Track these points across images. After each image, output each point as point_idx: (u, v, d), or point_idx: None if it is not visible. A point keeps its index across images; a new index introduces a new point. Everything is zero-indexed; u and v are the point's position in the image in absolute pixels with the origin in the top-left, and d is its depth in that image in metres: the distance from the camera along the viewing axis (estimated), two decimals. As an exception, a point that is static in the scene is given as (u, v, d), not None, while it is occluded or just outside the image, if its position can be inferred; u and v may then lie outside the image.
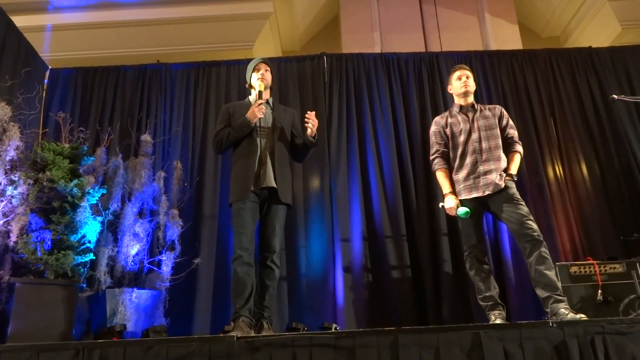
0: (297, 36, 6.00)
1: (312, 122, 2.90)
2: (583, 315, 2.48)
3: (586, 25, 5.53)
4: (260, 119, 2.88)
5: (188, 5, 5.15)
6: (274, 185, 2.83)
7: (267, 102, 3.04)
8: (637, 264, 3.29)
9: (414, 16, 5.53)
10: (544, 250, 2.72)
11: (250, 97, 3.08)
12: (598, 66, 4.49)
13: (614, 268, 3.30)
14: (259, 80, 2.97)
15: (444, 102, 4.27)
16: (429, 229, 3.91)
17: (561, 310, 2.55)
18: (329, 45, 5.52)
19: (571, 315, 2.48)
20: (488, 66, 4.49)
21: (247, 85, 3.12)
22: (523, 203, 2.86)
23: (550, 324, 2.16)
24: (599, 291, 3.20)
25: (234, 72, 4.44)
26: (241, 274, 2.65)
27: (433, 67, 4.46)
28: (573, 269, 3.31)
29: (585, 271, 3.30)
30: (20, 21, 4.02)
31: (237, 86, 4.37)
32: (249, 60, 3.15)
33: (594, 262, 3.32)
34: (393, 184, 4.01)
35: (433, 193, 3.95)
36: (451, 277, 3.73)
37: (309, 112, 2.94)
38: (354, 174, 4.05)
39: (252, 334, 2.53)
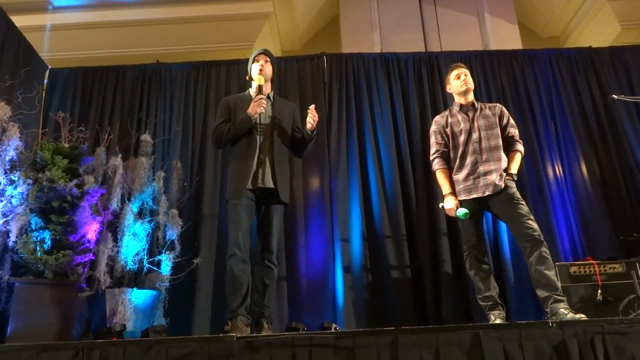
0: (296, 36, 6.00)
1: (312, 116, 2.87)
2: (583, 315, 2.48)
3: (586, 25, 5.53)
4: (260, 114, 2.85)
5: (188, 5, 5.15)
6: (272, 186, 2.81)
7: (268, 96, 3.00)
8: (637, 264, 3.30)
9: (413, 16, 5.54)
10: (544, 250, 2.71)
11: (250, 89, 3.03)
12: (598, 66, 4.49)
13: (614, 268, 3.30)
14: (258, 75, 2.93)
15: (443, 102, 4.27)
16: (428, 229, 3.90)
17: (561, 310, 2.55)
18: (328, 45, 5.52)
19: (571, 315, 2.48)
20: (488, 66, 4.48)
21: (247, 77, 3.08)
22: (523, 203, 2.85)
23: (550, 324, 2.16)
24: (599, 291, 3.20)
25: (233, 72, 4.44)
26: (237, 272, 2.64)
27: (433, 67, 4.46)
28: (573, 269, 3.31)
29: (585, 271, 3.30)
30: (20, 21, 4.02)
31: (236, 86, 4.37)
32: (248, 60, 3.13)
33: (594, 262, 3.32)
34: (393, 183, 4.00)
35: (433, 193, 3.95)
36: (451, 277, 3.72)
37: (310, 106, 2.90)
38: (354, 174, 4.05)
39: (249, 332, 2.53)
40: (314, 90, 4.35)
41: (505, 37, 5.37)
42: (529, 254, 2.73)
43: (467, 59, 4.46)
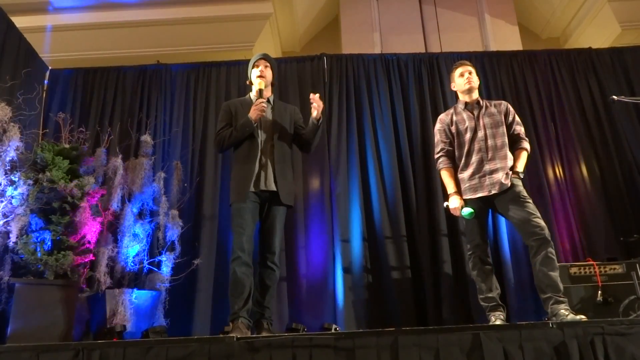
0: (297, 37, 6.01)
1: (317, 105, 2.87)
2: (583, 316, 2.48)
3: (586, 26, 5.53)
4: (261, 118, 2.87)
5: (188, 6, 5.16)
6: (274, 188, 2.82)
7: (268, 100, 3.02)
8: (637, 265, 3.29)
9: (414, 17, 5.54)
10: (551, 250, 2.68)
11: (251, 93, 3.06)
12: (598, 67, 4.49)
13: (614, 269, 3.30)
14: (258, 78, 2.95)
15: (443, 102, 4.27)
16: (428, 229, 3.90)
17: (561, 311, 2.55)
18: (329, 45, 5.52)
19: (571, 316, 2.48)
20: (488, 67, 4.48)
21: (247, 82, 3.11)
22: (530, 201, 2.82)
23: (550, 325, 2.16)
24: (599, 292, 3.20)
25: (234, 73, 4.44)
26: (240, 275, 2.65)
27: (433, 68, 4.46)
28: (573, 270, 3.31)
29: (585, 272, 3.30)
30: (20, 22, 4.03)
31: (237, 87, 4.37)
32: (249, 61, 3.14)
33: (594, 262, 3.32)
34: (393, 184, 4.00)
35: (433, 193, 3.95)
36: (451, 278, 3.72)
37: (313, 95, 2.89)
38: (354, 174, 4.05)
39: (250, 335, 2.53)
40: (314, 90, 4.33)
41: (505, 38, 5.38)
42: (535, 253, 2.70)
43: (467, 59, 4.43)
